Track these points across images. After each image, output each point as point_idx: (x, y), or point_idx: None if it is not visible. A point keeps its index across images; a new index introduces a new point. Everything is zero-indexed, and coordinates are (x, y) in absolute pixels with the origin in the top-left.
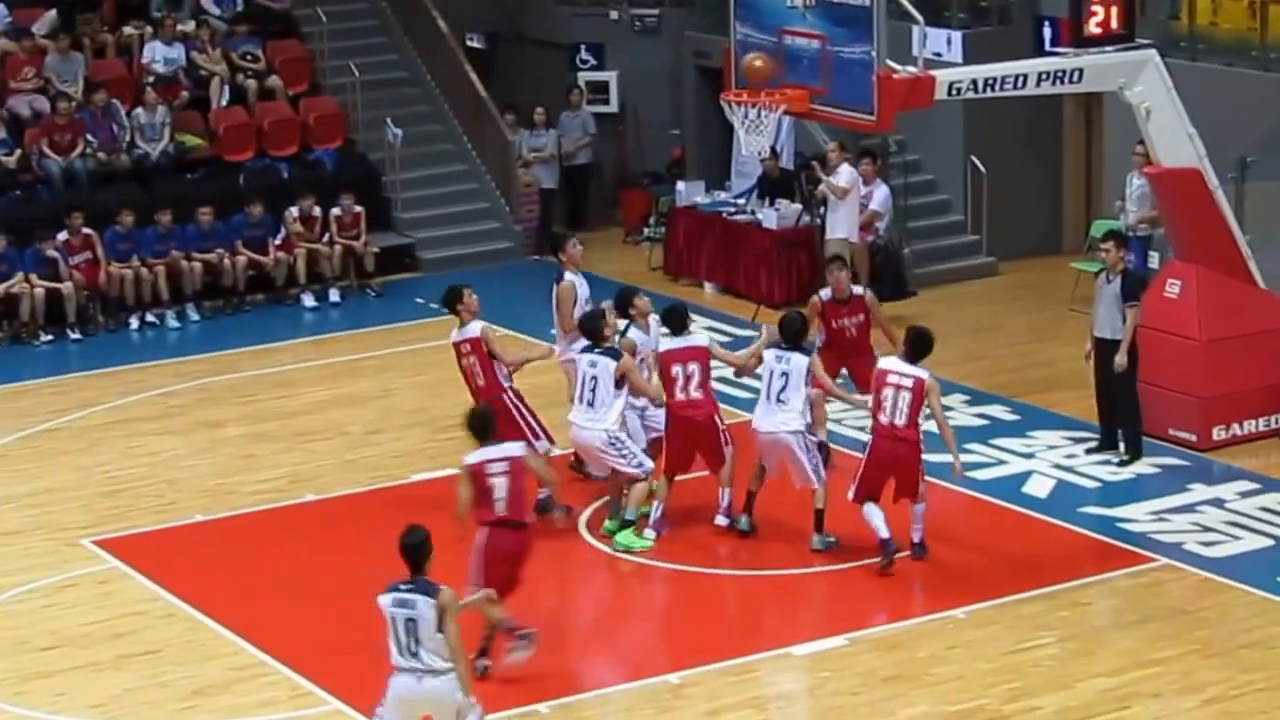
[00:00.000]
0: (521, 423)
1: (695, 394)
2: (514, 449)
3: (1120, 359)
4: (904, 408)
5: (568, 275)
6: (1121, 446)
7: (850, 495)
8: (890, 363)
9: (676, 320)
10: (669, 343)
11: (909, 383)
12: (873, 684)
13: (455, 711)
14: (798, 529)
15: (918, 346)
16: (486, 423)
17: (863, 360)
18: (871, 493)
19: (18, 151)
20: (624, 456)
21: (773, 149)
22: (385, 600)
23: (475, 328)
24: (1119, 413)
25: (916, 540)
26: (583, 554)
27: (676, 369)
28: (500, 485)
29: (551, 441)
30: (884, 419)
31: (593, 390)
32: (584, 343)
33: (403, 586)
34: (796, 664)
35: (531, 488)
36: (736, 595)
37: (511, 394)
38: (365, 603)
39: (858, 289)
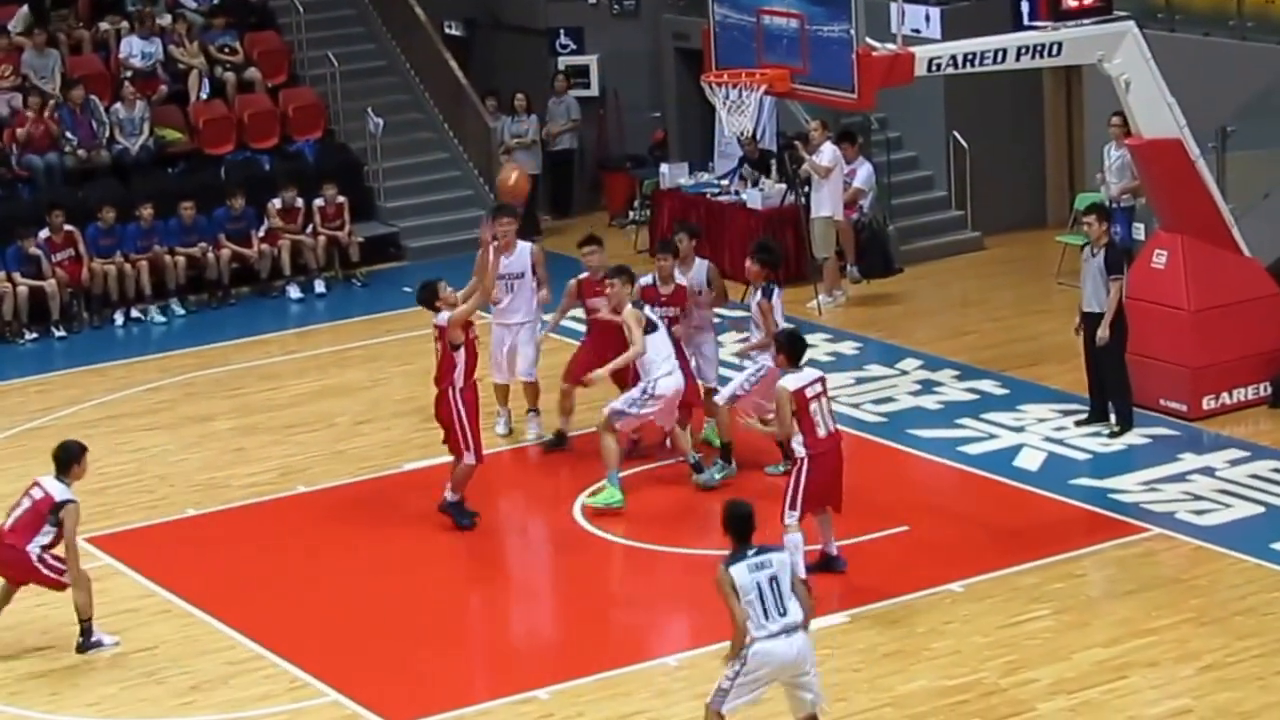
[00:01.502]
0: (457, 427)
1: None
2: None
3: (1103, 332)
4: (830, 412)
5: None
6: (1112, 418)
7: (793, 519)
8: (795, 379)
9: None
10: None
11: (820, 387)
12: (873, 660)
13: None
14: None
15: (798, 348)
16: None
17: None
18: (816, 511)
19: None
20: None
21: (752, 133)
22: (739, 572)
23: (443, 316)
24: (1108, 385)
25: (834, 553)
26: (576, 538)
27: None
28: None
29: (479, 459)
30: (823, 432)
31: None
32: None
33: (749, 553)
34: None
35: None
36: None
37: (459, 396)
38: (360, 592)
39: (680, 279)
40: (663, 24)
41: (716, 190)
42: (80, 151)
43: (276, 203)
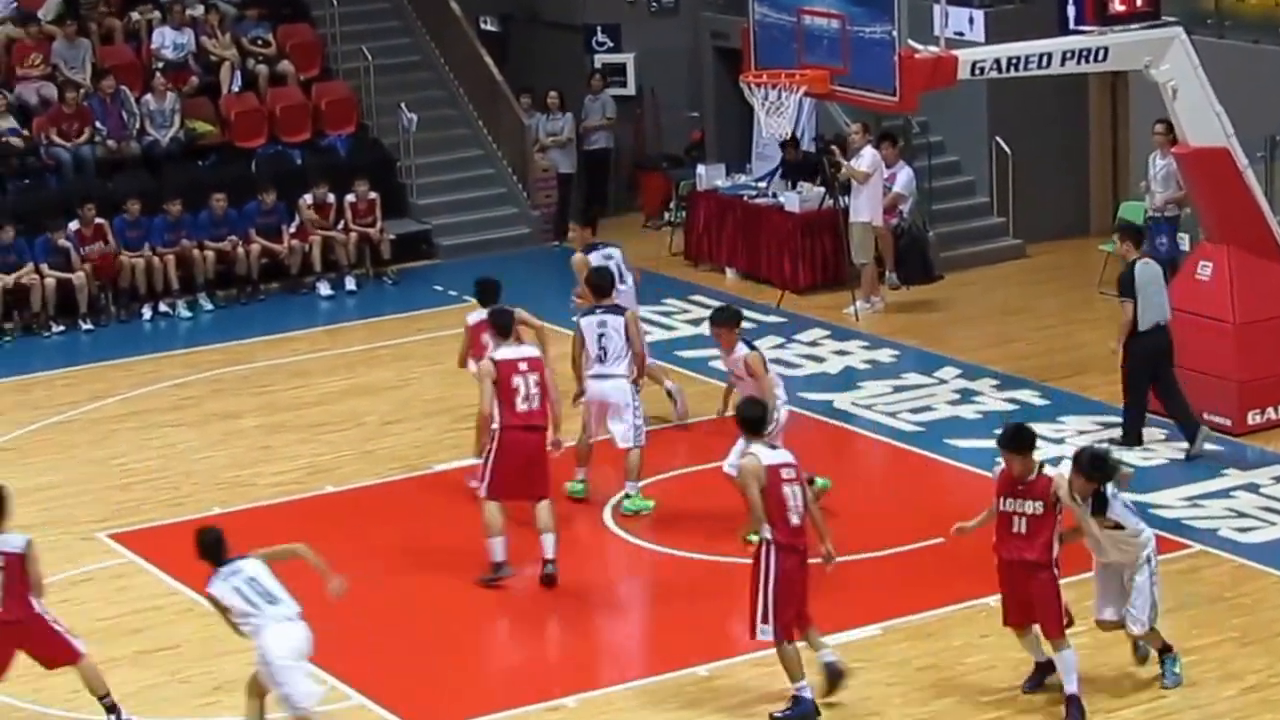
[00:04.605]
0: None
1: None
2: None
3: (1112, 344)
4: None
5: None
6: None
7: (769, 635)
8: (770, 454)
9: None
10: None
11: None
12: (906, 674)
13: None
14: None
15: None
16: None
17: None
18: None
19: (25, 132)
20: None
21: (793, 136)
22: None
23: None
24: (1167, 404)
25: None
26: (609, 545)
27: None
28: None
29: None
30: (796, 520)
31: (602, 347)
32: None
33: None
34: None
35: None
36: None
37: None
38: (387, 595)
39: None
40: (701, 22)
41: (754, 192)
42: (110, 142)
43: (308, 198)
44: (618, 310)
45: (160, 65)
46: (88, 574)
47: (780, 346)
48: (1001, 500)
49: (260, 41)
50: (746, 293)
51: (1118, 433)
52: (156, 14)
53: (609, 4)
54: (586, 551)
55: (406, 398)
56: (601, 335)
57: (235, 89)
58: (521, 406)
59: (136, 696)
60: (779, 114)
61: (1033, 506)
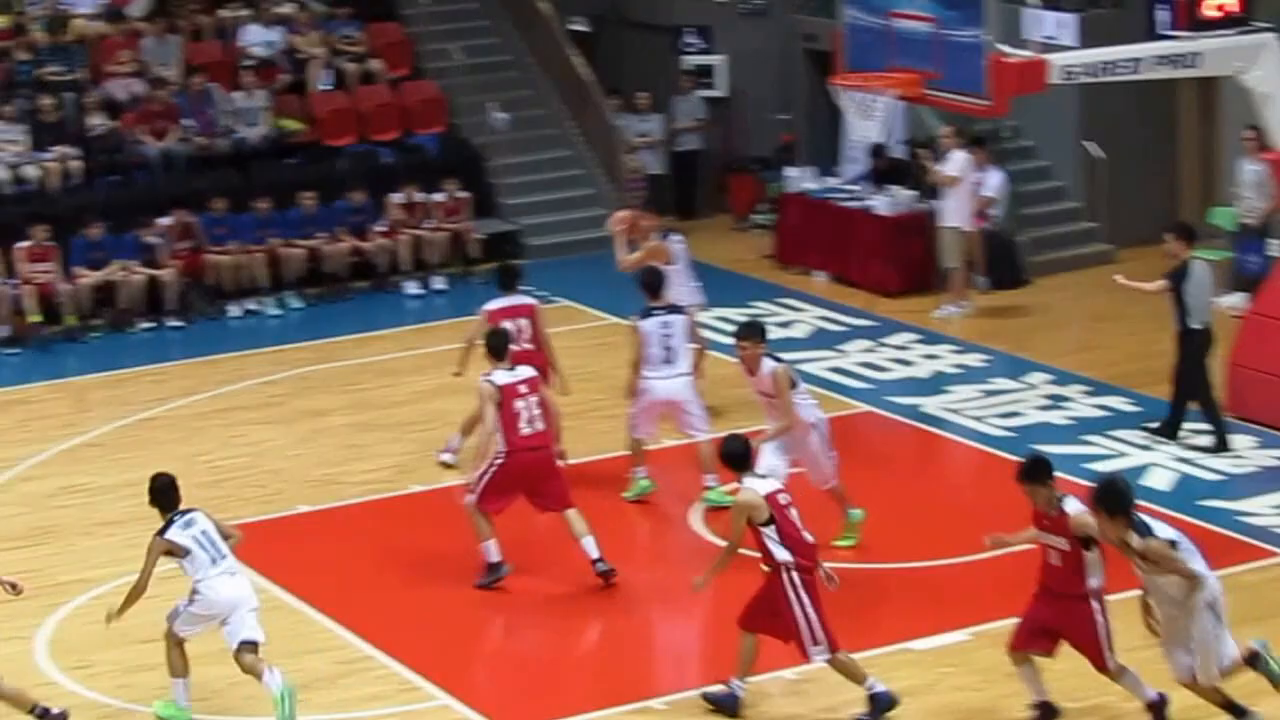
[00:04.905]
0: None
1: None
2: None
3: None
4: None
5: None
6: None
7: (824, 654)
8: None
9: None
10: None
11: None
12: (994, 679)
13: None
14: (917, 522)
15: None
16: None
17: None
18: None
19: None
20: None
21: (880, 145)
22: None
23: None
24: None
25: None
26: (694, 546)
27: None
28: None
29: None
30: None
31: (667, 348)
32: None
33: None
34: (916, 659)
35: None
36: (854, 589)
37: None
38: (475, 595)
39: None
40: (791, 24)
41: (843, 195)
42: (198, 139)
43: (397, 197)
44: (678, 310)
45: (249, 62)
46: (174, 571)
47: (869, 350)
48: (1037, 531)
49: (350, 40)
50: (835, 296)
51: (1208, 439)
52: (246, 11)
53: (699, 5)
54: (673, 553)
55: None
56: (666, 336)
57: (324, 87)
58: (525, 430)
59: (221, 694)
60: (869, 117)
61: (1059, 542)
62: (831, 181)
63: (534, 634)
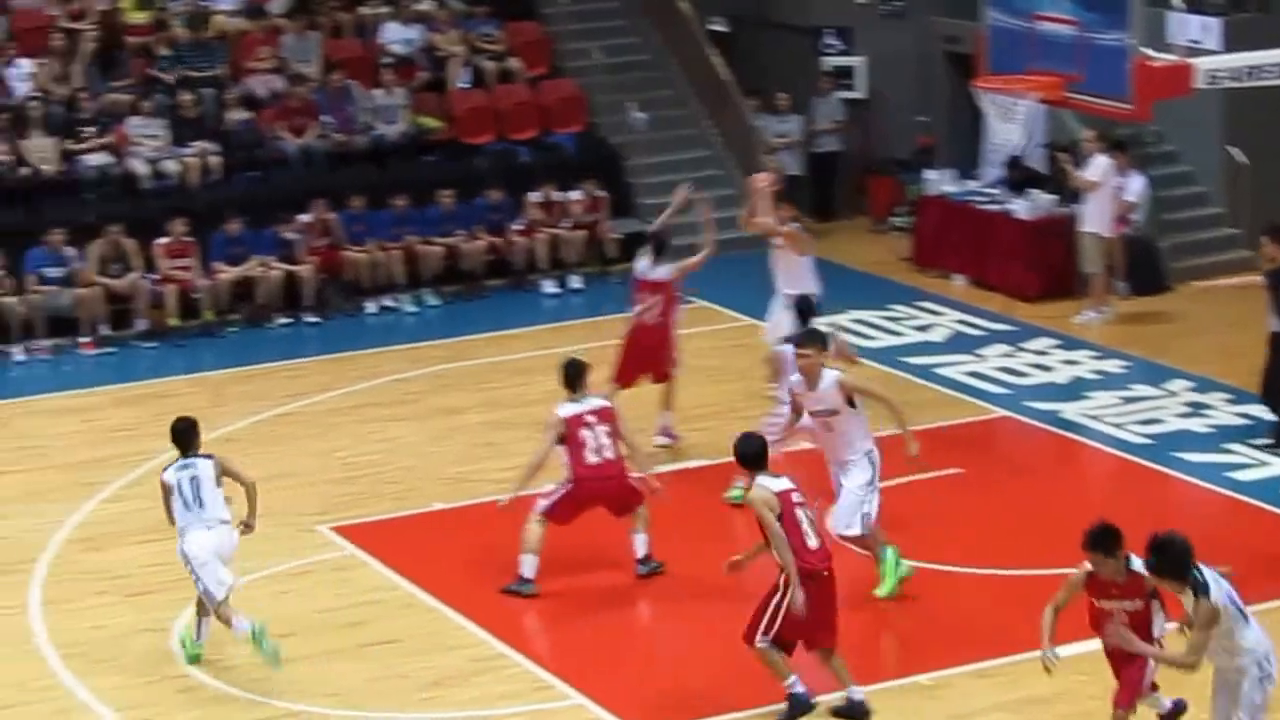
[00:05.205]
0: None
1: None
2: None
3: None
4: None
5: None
6: None
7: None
8: (777, 482)
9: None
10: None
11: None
12: None
13: None
14: (1054, 529)
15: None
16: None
17: None
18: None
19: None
20: None
21: (1017, 157)
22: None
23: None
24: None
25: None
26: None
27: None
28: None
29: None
30: (814, 543)
31: None
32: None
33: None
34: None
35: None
36: (990, 595)
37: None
38: (609, 595)
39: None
40: (932, 26)
41: (983, 198)
42: (337, 136)
43: (535, 195)
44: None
45: (388, 60)
46: (309, 566)
47: (1008, 355)
48: (1097, 601)
49: (489, 38)
50: (974, 300)
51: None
52: (386, 9)
53: (840, 6)
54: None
55: (628, 396)
56: None
57: (463, 85)
58: (592, 459)
59: (356, 689)
60: (1011, 120)
61: (1132, 605)
62: (971, 184)
63: (668, 634)
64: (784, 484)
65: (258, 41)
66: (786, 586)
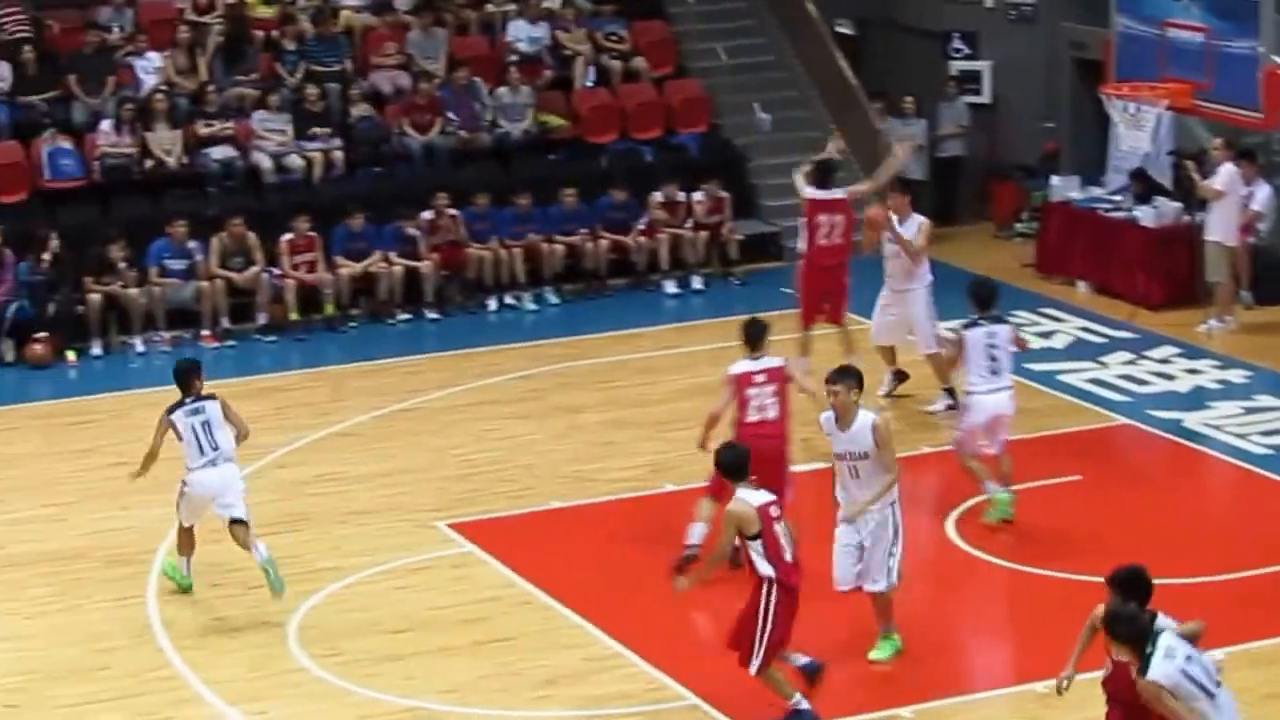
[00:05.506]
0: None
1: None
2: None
3: None
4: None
5: None
6: None
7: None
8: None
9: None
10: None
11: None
12: (1249, 701)
13: None
14: (1174, 538)
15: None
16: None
17: None
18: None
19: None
20: None
21: (1141, 169)
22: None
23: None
24: None
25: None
26: (952, 557)
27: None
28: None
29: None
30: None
31: (993, 359)
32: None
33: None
34: None
35: None
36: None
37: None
38: (726, 596)
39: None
40: (1060, 31)
41: (1108, 206)
42: (461, 133)
43: (658, 195)
44: (1001, 320)
45: (514, 58)
46: (426, 562)
47: (1130, 363)
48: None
49: (614, 37)
50: (1097, 306)
51: None
52: (512, 6)
53: (967, 10)
54: (928, 561)
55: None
56: (991, 348)
57: (588, 84)
58: (753, 416)
59: (470, 686)
60: (1138, 127)
61: None
62: (1096, 191)
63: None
64: (763, 497)
65: (384, 37)
66: (765, 600)
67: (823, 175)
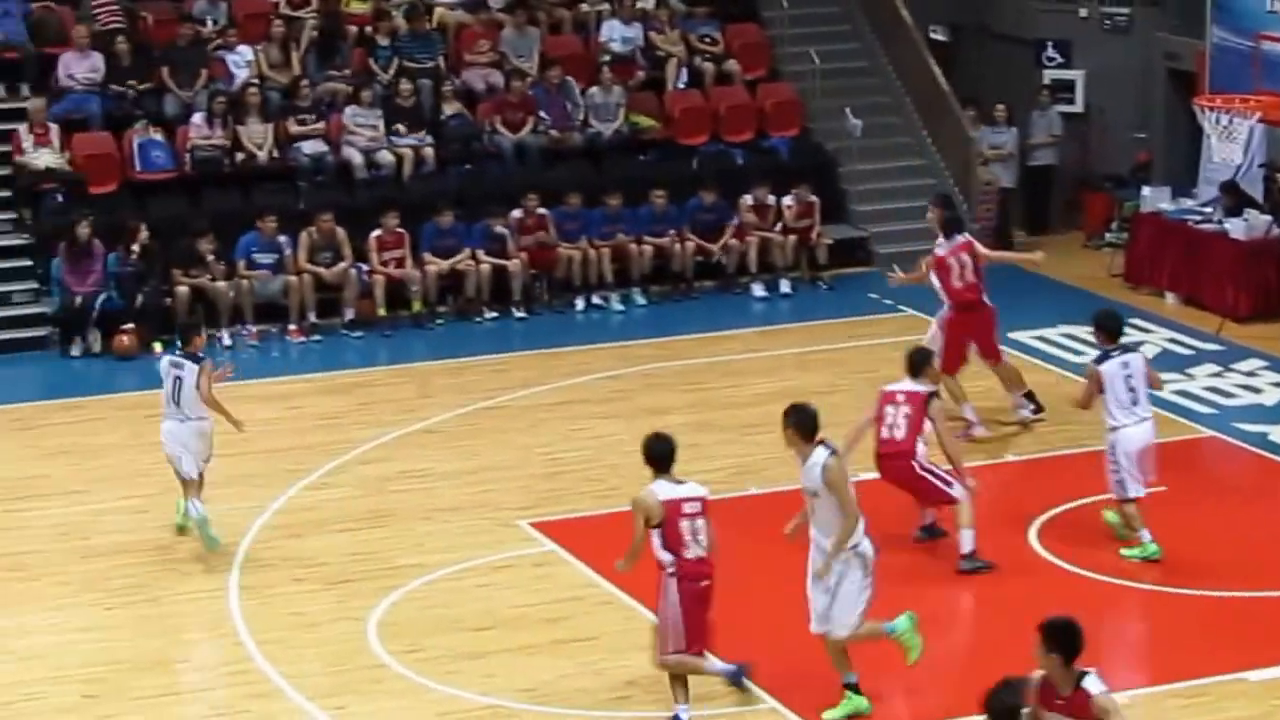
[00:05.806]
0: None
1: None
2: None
3: None
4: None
5: None
6: None
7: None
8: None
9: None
10: None
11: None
12: None
13: None
14: (1259, 552)
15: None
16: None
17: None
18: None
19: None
20: None
21: (1232, 182)
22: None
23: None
24: None
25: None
26: (1028, 563)
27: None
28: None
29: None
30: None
31: (1131, 389)
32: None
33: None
34: (1249, 690)
35: None
36: (1194, 615)
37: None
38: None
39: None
40: (1154, 42)
41: (1199, 217)
42: (552, 132)
43: (748, 199)
44: (1132, 349)
45: (607, 58)
46: (509, 560)
47: (1217, 375)
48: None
49: (708, 39)
50: (1186, 318)
51: None
52: (606, 6)
53: (1061, 19)
54: (1012, 571)
55: (835, 403)
56: (1129, 378)
57: (681, 85)
58: (883, 434)
59: (550, 685)
60: (1231, 139)
61: None
62: (1187, 202)
63: (864, 644)
64: (678, 492)
65: (477, 35)
66: (664, 590)
67: (950, 227)
